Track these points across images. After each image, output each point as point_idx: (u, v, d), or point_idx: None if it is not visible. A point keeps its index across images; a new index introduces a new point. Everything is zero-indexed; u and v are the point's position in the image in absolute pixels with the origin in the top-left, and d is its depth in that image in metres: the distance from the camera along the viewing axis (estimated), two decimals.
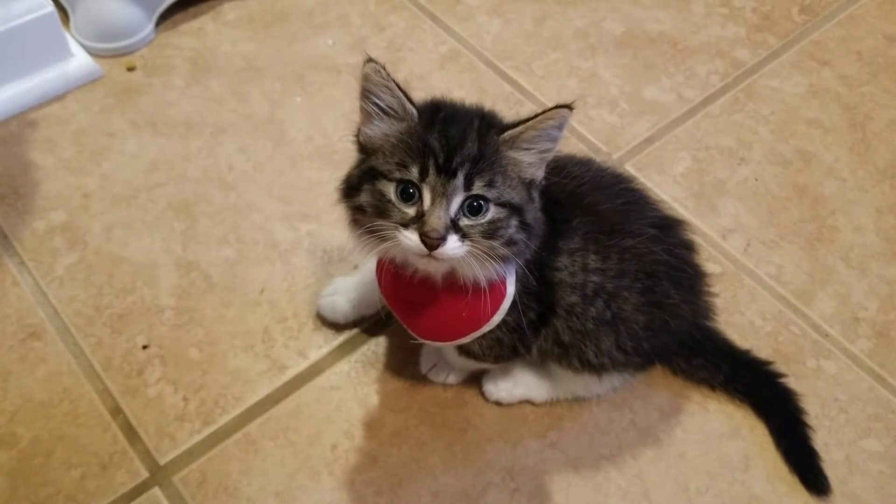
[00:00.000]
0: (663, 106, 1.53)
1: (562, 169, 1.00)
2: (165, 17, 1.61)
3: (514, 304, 0.97)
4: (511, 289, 0.96)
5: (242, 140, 1.45)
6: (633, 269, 1.01)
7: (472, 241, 0.87)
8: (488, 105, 1.47)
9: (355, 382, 1.20)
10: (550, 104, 1.51)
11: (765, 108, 1.53)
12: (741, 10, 1.68)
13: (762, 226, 1.37)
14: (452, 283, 0.94)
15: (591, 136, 1.48)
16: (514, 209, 0.88)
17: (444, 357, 1.16)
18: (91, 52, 1.54)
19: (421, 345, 1.19)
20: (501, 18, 1.65)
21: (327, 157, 1.42)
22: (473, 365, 1.12)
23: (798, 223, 1.38)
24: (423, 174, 0.85)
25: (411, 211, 0.86)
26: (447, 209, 0.85)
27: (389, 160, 0.88)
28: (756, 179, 1.43)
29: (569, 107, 0.86)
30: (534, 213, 0.91)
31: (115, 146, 1.43)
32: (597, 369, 1.07)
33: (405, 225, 0.86)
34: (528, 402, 1.18)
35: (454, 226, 0.86)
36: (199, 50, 1.58)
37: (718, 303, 1.21)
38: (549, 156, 0.91)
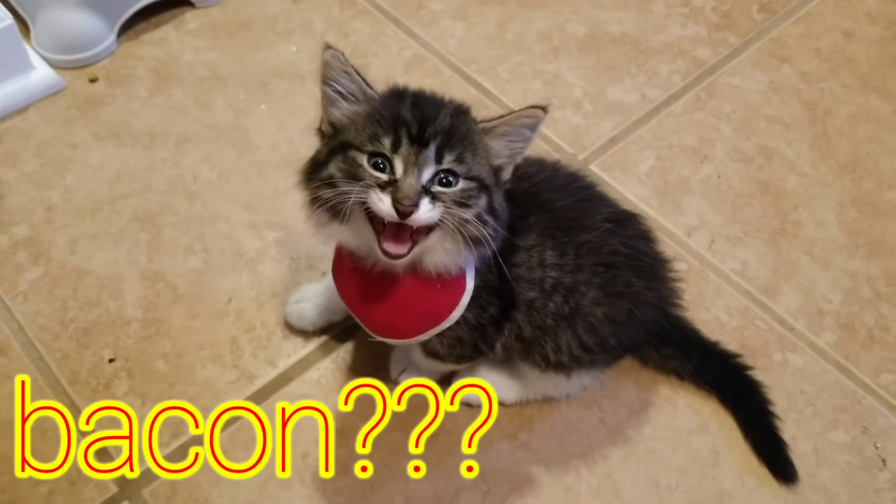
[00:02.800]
0: (627, 106, 1.54)
1: (516, 169, 1.01)
2: (127, 28, 1.60)
3: (473, 300, 0.97)
4: (470, 284, 0.96)
5: (207, 149, 1.44)
6: (591, 262, 1.01)
7: (444, 205, 0.86)
8: None
9: (325, 390, 1.19)
10: (516, 107, 1.53)
11: (726, 105, 1.55)
12: (701, 9, 1.70)
13: (726, 222, 1.39)
14: (415, 273, 0.94)
15: (556, 138, 1.49)
16: (483, 186, 0.89)
17: (413, 360, 1.16)
18: (52, 65, 1.53)
19: (390, 350, 1.20)
20: (465, 22, 1.66)
21: (293, 164, 1.40)
22: (441, 367, 1.12)
23: (761, 219, 1.39)
24: (396, 145, 0.86)
25: (384, 177, 0.87)
26: (419, 177, 0.86)
27: (362, 133, 0.89)
28: (719, 177, 1.45)
29: (543, 108, 0.88)
30: (500, 201, 0.92)
31: (79, 158, 1.42)
32: (561, 367, 1.07)
33: (380, 187, 0.86)
34: (498, 403, 1.18)
35: (426, 191, 0.86)
36: (161, 59, 1.57)
37: (684, 300, 1.22)
38: (518, 156, 0.92)
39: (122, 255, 1.31)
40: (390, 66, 1.57)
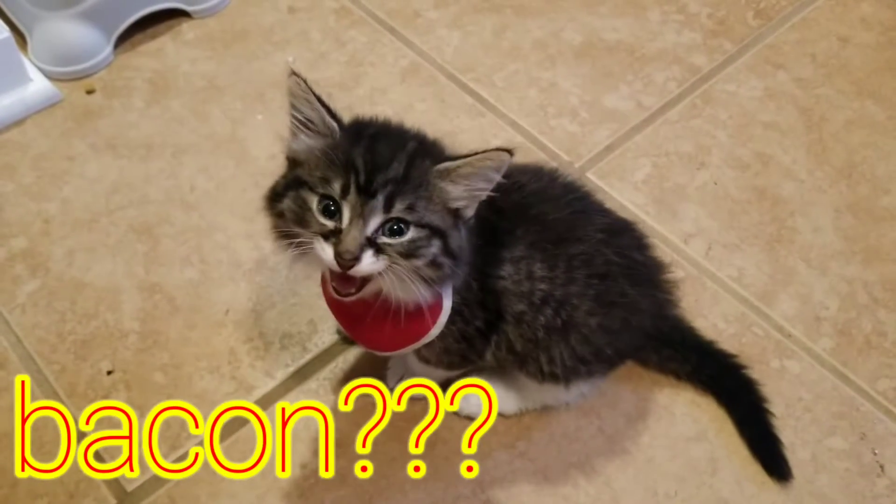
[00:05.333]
0: (623, 114, 1.54)
1: (507, 177, 1.00)
2: (124, 39, 1.60)
3: (457, 314, 0.97)
4: (448, 303, 0.96)
5: (204, 160, 1.44)
6: (583, 274, 1.01)
7: (389, 257, 0.85)
8: (451, 115, 1.49)
9: (324, 400, 1.19)
10: (511, 114, 1.54)
11: (722, 112, 1.55)
12: (697, 16, 1.70)
13: (723, 229, 1.39)
14: (384, 303, 0.92)
15: (553, 146, 1.49)
16: (436, 232, 0.87)
17: (410, 368, 1.16)
18: (49, 76, 1.53)
19: (387, 359, 1.20)
20: (461, 31, 1.66)
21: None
22: (434, 373, 1.13)
23: (758, 225, 1.40)
24: (345, 191, 0.85)
25: (330, 224, 0.86)
26: (363, 230, 0.84)
27: (314, 172, 0.87)
28: (715, 183, 1.45)
29: (509, 151, 0.85)
30: (458, 242, 0.90)
31: (76, 170, 1.42)
32: (556, 378, 1.07)
33: (324, 236, 0.85)
34: (498, 414, 1.18)
35: (370, 242, 0.85)
36: (158, 70, 1.57)
37: (682, 307, 1.22)
38: (482, 196, 0.89)
39: (120, 267, 1.31)
40: (387, 75, 1.58)
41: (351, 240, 0.84)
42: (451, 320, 0.97)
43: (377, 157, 0.86)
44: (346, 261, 0.84)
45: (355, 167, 0.85)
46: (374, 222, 0.85)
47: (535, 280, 0.99)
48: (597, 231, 1.03)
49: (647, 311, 1.08)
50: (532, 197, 1.02)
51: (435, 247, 0.87)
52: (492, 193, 0.92)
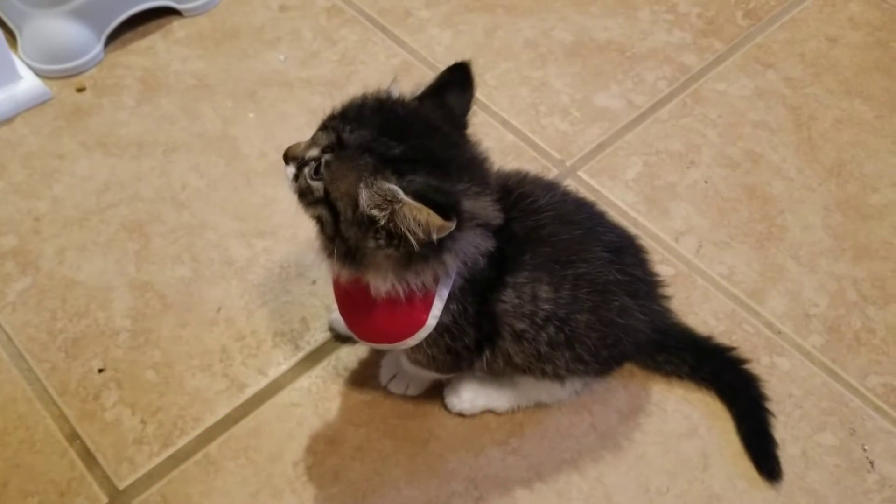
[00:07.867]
0: (614, 112, 1.55)
1: (527, 197, 1.01)
2: (114, 37, 1.60)
3: (446, 330, 0.97)
4: (431, 322, 0.96)
5: (195, 158, 1.44)
6: (587, 292, 1.01)
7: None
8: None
9: (316, 398, 1.19)
10: (503, 113, 1.54)
11: (712, 111, 1.56)
12: (686, 15, 1.71)
13: (713, 227, 1.40)
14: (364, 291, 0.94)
15: (544, 144, 1.49)
16: (333, 212, 0.91)
17: (403, 367, 1.16)
18: (39, 74, 1.53)
19: (380, 357, 1.20)
20: (452, 30, 1.66)
21: (282, 172, 1.41)
22: (426, 374, 1.12)
23: (748, 223, 1.40)
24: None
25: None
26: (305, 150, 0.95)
27: None
28: (706, 182, 1.45)
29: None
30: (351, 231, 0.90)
31: (66, 168, 1.42)
32: (561, 378, 1.08)
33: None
34: (491, 411, 1.18)
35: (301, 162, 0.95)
36: (149, 69, 1.57)
37: (672, 304, 1.23)
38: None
39: (111, 265, 1.30)
40: (378, 73, 1.58)
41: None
42: (439, 333, 0.97)
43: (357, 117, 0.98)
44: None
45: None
46: (313, 152, 0.98)
47: (539, 301, 0.99)
48: (603, 251, 1.02)
49: (642, 330, 1.09)
50: (545, 216, 1.01)
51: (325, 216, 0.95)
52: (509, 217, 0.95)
